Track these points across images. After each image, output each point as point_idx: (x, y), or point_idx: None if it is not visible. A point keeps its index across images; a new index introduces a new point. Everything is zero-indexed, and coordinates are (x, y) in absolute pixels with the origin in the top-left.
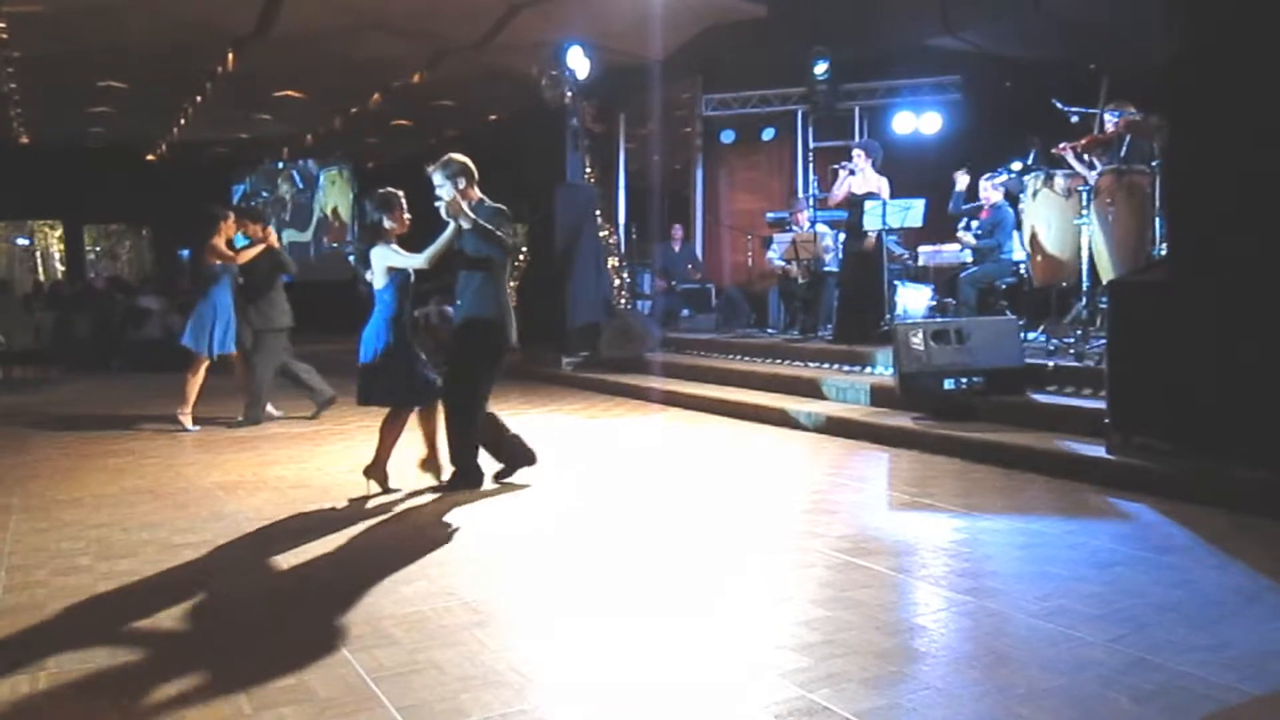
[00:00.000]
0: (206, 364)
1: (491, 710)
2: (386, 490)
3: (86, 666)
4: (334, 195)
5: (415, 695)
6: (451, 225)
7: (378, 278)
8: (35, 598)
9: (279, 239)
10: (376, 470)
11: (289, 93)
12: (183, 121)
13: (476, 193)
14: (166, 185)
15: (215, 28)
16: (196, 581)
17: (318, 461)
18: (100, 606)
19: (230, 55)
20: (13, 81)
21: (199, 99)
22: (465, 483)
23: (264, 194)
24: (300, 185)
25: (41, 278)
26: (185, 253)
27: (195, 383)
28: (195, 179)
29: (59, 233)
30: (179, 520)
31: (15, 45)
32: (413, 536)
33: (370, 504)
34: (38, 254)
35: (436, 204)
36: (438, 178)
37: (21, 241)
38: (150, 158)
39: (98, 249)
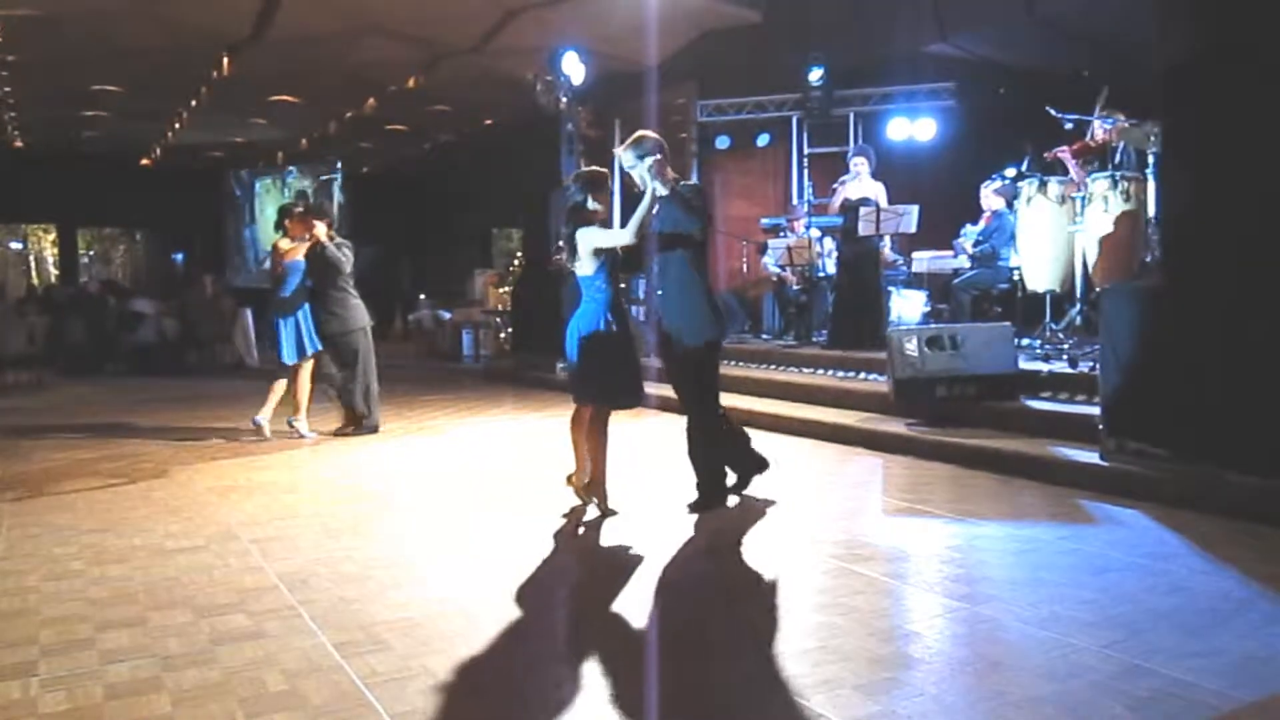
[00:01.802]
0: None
1: (485, 717)
2: (606, 512)
3: (77, 672)
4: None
5: (409, 702)
6: (648, 194)
7: (586, 263)
8: (28, 602)
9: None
10: (596, 488)
11: (284, 97)
12: (177, 125)
13: (671, 172)
14: (161, 189)
15: (211, 32)
16: (188, 587)
17: (311, 466)
18: (92, 611)
19: (225, 59)
20: (7, 85)
21: (194, 103)
22: (709, 503)
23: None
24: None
25: (35, 281)
26: (179, 256)
27: (303, 388)
28: (190, 183)
29: (53, 236)
30: (171, 525)
31: (9, 49)
32: (406, 542)
33: (364, 509)
34: (31, 258)
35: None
36: (629, 157)
37: (15, 245)
38: (145, 162)
39: (91, 253)
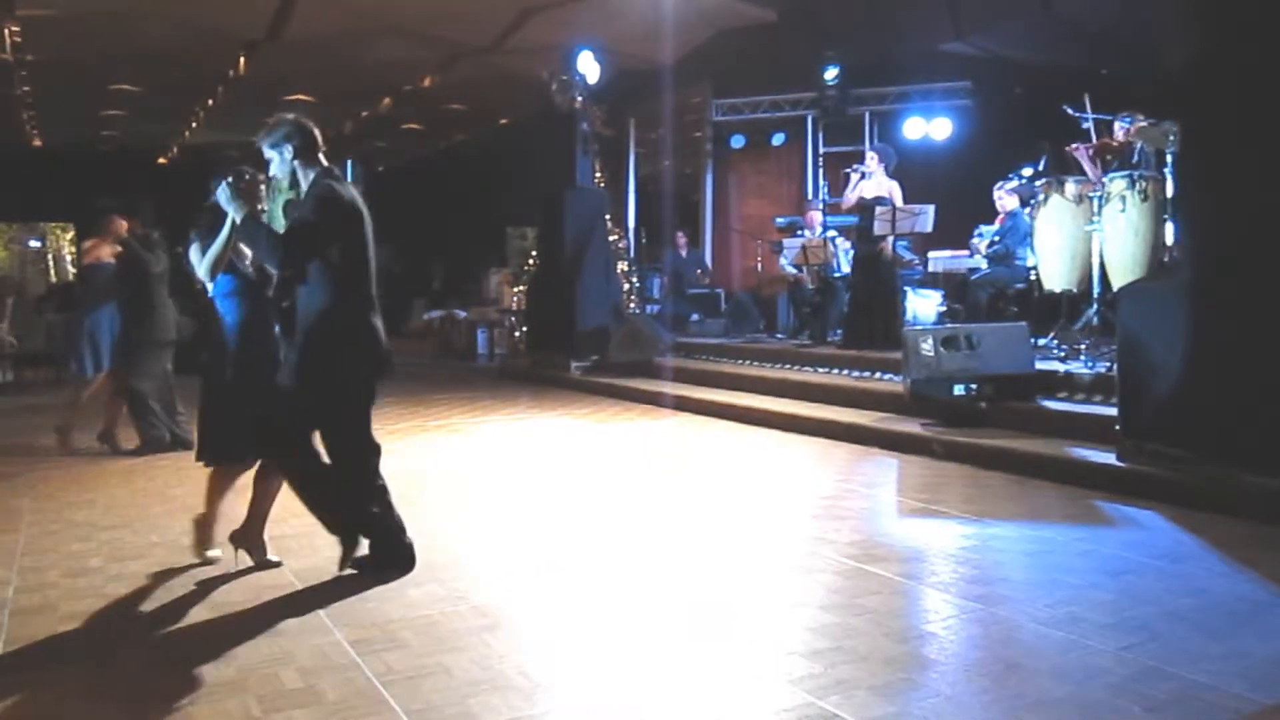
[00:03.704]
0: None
1: (500, 714)
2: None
3: (96, 666)
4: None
5: (424, 699)
6: (228, 221)
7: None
8: (47, 598)
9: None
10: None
11: (300, 96)
12: (194, 125)
13: (322, 160)
14: (178, 188)
15: (227, 32)
16: (205, 584)
17: None
18: (111, 608)
19: (242, 59)
20: (26, 84)
21: (211, 102)
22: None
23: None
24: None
25: (53, 279)
26: None
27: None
28: (207, 182)
29: (70, 235)
30: (189, 523)
31: (29, 49)
32: (422, 541)
33: None
34: (49, 256)
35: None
36: (264, 149)
37: (33, 243)
38: (162, 160)
39: None
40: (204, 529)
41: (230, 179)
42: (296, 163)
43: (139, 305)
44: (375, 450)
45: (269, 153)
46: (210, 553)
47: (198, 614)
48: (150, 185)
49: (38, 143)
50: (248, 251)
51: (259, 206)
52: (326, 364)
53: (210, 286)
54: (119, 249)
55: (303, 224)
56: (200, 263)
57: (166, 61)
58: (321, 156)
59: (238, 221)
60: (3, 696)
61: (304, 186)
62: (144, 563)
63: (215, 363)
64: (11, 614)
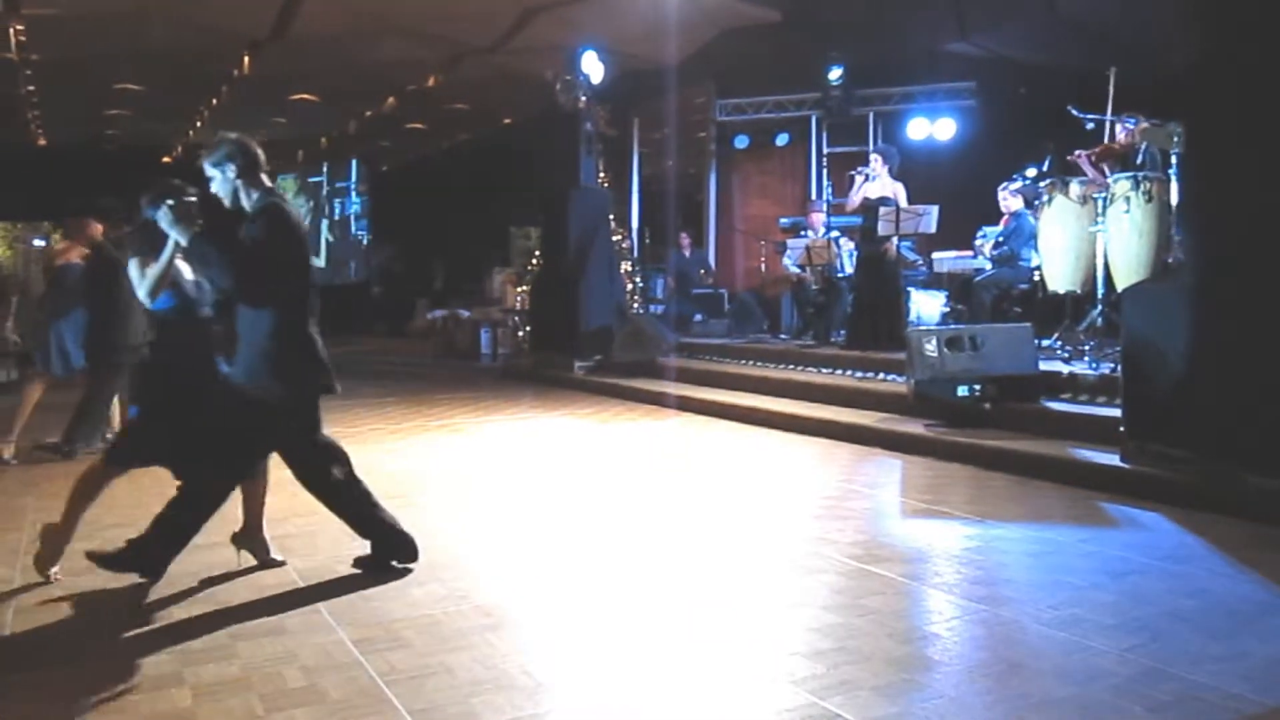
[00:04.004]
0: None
1: (503, 713)
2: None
3: (101, 664)
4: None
5: (427, 698)
6: (169, 245)
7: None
8: (51, 594)
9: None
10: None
11: (304, 96)
12: (199, 124)
13: (265, 180)
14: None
15: (232, 31)
16: (210, 581)
17: None
18: (115, 604)
19: (246, 59)
20: (31, 84)
21: (215, 101)
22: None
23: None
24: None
25: None
26: None
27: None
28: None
29: None
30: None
31: (34, 48)
32: (425, 540)
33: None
34: None
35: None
36: (206, 168)
37: (38, 242)
38: (166, 160)
39: None
40: (55, 542)
41: (171, 202)
42: (239, 182)
43: (109, 308)
44: (341, 457)
45: (211, 171)
46: (52, 570)
47: (201, 612)
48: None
49: (42, 142)
50: (186, 270)
51: (196, 224)
52: (274, 381)
53: (149, 305)
54: (88, 252)
55: (255, 244)
56: (141, 282)
57: (171, 61)
58: (264, 176)
59: (183, 244)
60: (5, 694)
61: (246, 206)
62: None
63: (151, 376)
64: (16, 612)
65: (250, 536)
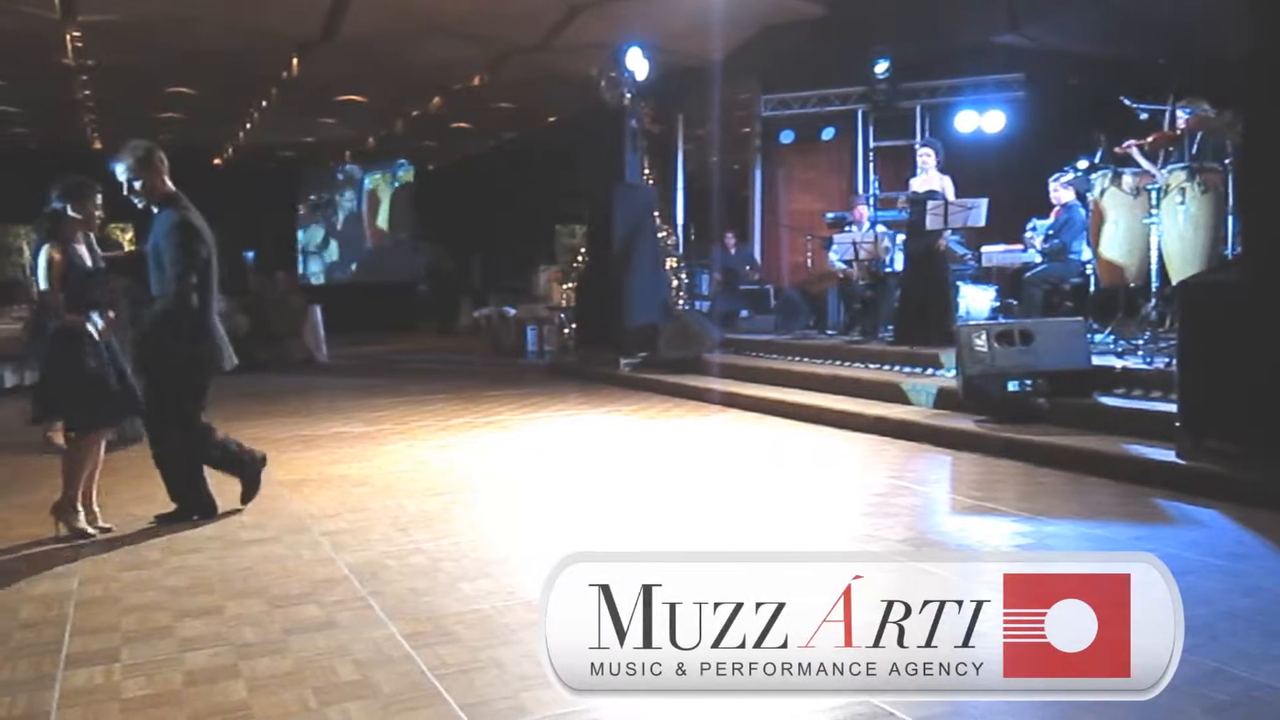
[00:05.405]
0: None
1: (551, 708)
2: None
3: (157, 659)
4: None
5: (477, 693)
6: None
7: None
8: (109, 590)
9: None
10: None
11: (352, 97)
12: (249, 126)
13: (167, 186)
14: (232, 188)
15: (281, 34)
16: (262, 577)
17: (380, 460)
18: (170, 600)
19: (295, 61)
20: (88, 89)
21: (264, 104)
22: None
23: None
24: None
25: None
26: (250, 254)
27: None
28: (261, 182)
29: (130, 235)
30: (244, 516)
31: (91, 53)
32: (474, 536)
33: (433, 504)
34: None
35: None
36: (119, 170)
37: None
38: (217, 161)
39: None
40: (67, 510)
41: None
42: (142, 186)
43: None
44: (203, 430)
45: (122, 175)
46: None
47: (255, 606)
48: (205, 186)
49: (98, 145)
50: (85, 254)
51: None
52: (169, 356)
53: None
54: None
55: (181, 246)
56: (43, 271)
57: (222, 64)
58: (168, 181)
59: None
60: (70, 685)
61: (154, 210)
62: (201, 556)
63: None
64: (76, 605)
65: (65, 509)
